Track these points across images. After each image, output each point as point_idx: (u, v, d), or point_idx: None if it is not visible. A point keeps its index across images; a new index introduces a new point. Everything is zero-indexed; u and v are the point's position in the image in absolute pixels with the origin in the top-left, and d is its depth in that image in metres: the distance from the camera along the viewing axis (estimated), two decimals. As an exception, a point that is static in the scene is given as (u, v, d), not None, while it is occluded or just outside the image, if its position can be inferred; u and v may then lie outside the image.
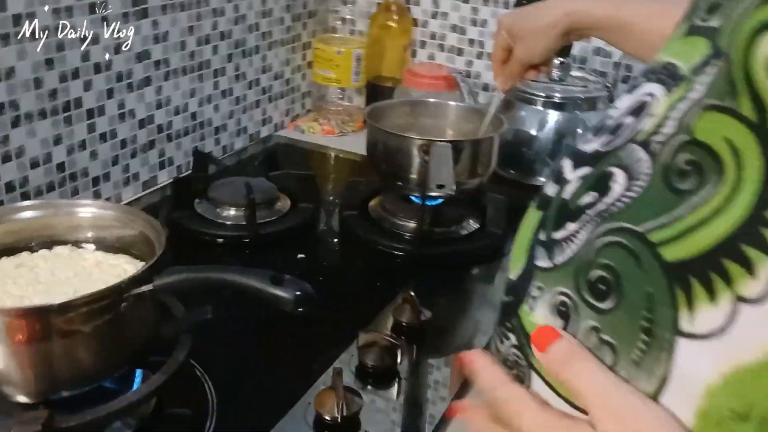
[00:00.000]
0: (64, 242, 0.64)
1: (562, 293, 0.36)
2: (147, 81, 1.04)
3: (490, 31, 1.31)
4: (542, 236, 0.39)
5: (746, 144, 0.29)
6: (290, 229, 0.98)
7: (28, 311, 0.54)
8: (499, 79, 0.93)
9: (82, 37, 0.92)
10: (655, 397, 0.32)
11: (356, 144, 1.32)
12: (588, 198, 0.37)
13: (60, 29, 0.89)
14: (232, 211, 0.98)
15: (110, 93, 0.99)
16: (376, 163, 1.02)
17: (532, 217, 0.42)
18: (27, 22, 0.85)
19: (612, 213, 0.35)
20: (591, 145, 0.40)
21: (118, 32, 0.97)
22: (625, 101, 0.39)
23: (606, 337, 0.34)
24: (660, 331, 0.31)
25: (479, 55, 1.34)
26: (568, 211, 0.38)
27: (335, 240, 1.02)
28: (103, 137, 1.00)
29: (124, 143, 1.03)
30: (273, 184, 1.04)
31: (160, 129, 1.09)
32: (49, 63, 0.89)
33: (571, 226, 0.37)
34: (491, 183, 1.05)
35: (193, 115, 1.15)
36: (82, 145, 0.97)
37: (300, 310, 0.53)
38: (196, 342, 0.65)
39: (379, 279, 0.92)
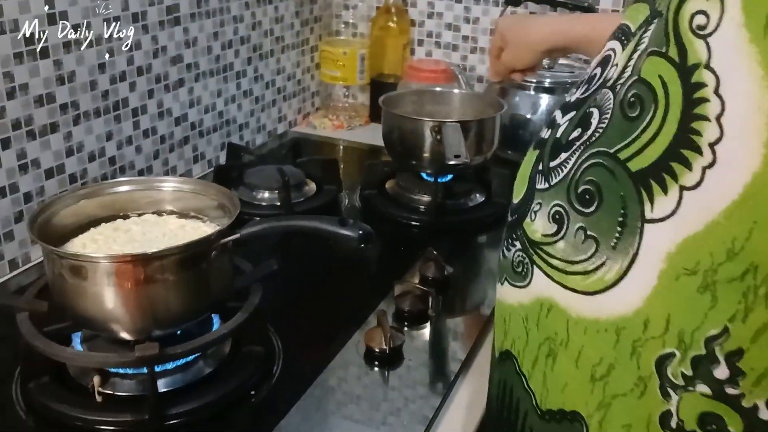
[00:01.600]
0: (151, 212, 0.75)
1: (557, 205, 0.49)
2: (181, 82, 1.16)
3: (482, 27, 1.44)
4: (540, 167, 0.52)
5: (671, 78, 0.42)
6: (319, 207, 1.09)
7: (134, 257, 0.65)
8: (491, 71, 1.05)
9: (127, 43, 1.04)
10: (628, 268, 0.44)
11: (363, 136, 1.44)
12: (575, 133, 0.50)
13: (110, 36, 1.00)
14: (267, 194, 1.10)
15: (151, 93, 1.10)
16: (392, 145, 1.14)
17: (530, 156, 0.55)
18: (86, 30, 0.96)
19: (592, 141, 0.48)
20: (574, 95, 0.53)
21: (154, 38, 1.09)
22: (596, 57, 0.53)
23: (591, 233, 0.46)
24: (631, 221, 0.44)
25: (473, 50, 1.47)
26: (560, 145, 0.51)
27: (359, 215, 1.14)
28: (146, 133, 1.11)
29: (163, 139, 1.15)
30: (299, 169, 1.16)
31: (193, 126, 1.20)
32: (102, 67, 1.01)
33: (563, 156, 0.50)
34: (493, 162, 1.18)
35: (220, 114, 1.26)
36: (129, 140, 1.08)
37: (362, 245, 0.65)
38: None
39: (402, 245, 1.04)
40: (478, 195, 1.16)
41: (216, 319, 0.76)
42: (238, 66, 1.28)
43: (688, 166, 0.41)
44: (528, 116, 1.28)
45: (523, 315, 0.53)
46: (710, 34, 0.39)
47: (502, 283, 0.57)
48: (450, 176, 1.14)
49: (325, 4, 1.51)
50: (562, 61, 1.31)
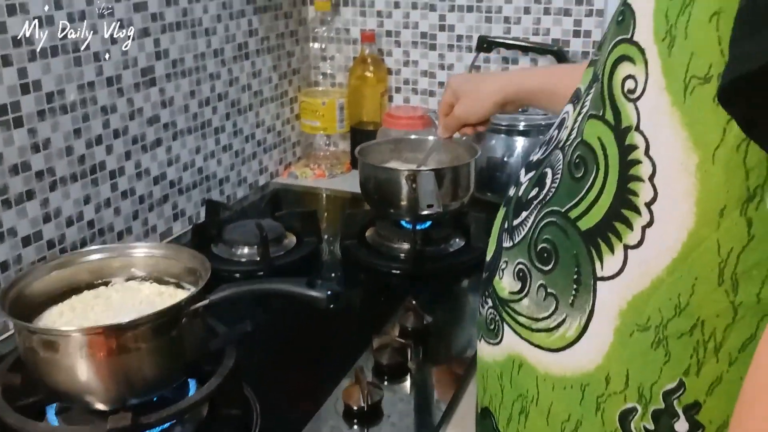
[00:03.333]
0: (125, 278, 0.76)
1: (520, 263, 0.50)
2: (158, 142, 1.17)
3: (456, 72, 1.46)
4: (506, 225, 0.54)
5: (609, 140, 0.43)
6: (299, 260, 1.10)
7: (106, 329, 0.66)
8: (440, 128, 1.06)
9: (102, 106, 1.05)
10: (586, 325, 0.45)
11: (345, 184, 1.46)
12: (533, 192, 0.51)
13: (84, 101, 1.02)
14: (246, 250, 1.11)
15: (128, 155, 1.12)
16: (369, 194, 1.15)
17: (500, 213, 0.56)
18: (58, 97, 0.97)
19: (546, 201, 0.49)
20: (536, 155, 0.54)
21: (130, 101, 1.10)
22: (556, 120, 0.54)
23: (550, 290, 0.47)
24: (585, 279, 0.45)
25: (449, 95, 1.49)
26: (521, 204, 0.52)
27: (339, 266, 1.14)
28: (124, 195, 1.12)
29: (142, 199, 1.16)
30: (279, 223, 1.16)
31: (172, 184, 1.21)
32: (77, 132, 1.02)
33: (524, 214, 0.51)
34: (471, 206, 1.19)
35: (200, 170, 1.27)
36: (107, 203, 1.09)
37: (331, 306, 0.66)
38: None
39: (382, 294, 1.04)
40: (457, 240, 1.17)
41: (192, 383, 0.76)
42: (217, 122, 1.30)
43: (629, 225, 0.42)
44: (504, 159, 1.29)
45: (498, 372, 0.54)
46: (638, 98, 0.41)
47: (479, 340, 0.58)
48: (428, 223, 1.14)
49: (303, 56, 1.54)
50: (535, 103, 1.33)
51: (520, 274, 0.50)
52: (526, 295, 0.50)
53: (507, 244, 0.53)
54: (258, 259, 1.08)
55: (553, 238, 0.47)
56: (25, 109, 0.93)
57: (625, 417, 0.44)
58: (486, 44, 1.35)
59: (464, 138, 1.17)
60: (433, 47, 1.47)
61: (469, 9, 1.41)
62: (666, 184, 0.40)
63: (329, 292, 0.66)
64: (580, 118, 0.47)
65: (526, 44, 1.34)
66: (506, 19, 1.39)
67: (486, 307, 0.55)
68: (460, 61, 1.45)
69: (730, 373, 0.40)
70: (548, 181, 0.50)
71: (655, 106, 0.40)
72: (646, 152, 0.40)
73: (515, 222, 0.52)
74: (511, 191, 0.56)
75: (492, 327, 0.54)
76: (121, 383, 0.68)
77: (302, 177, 1.49)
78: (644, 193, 0.41)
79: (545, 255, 0.48)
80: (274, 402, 0.79)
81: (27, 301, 0.71)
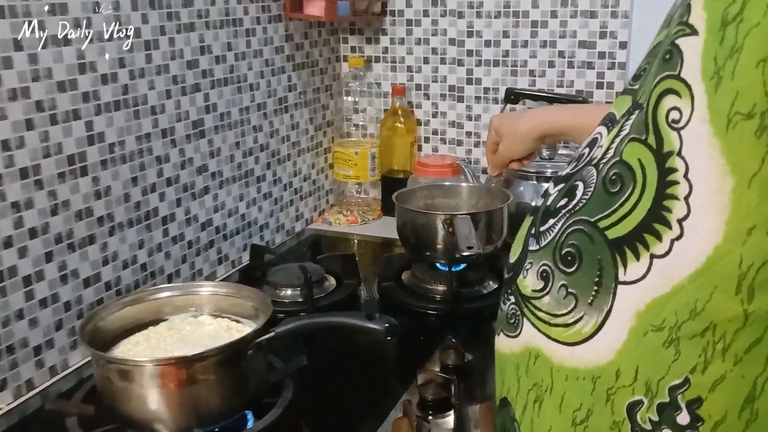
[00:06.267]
0: (192, 314, 0.81)
1: (545, 264, 0.56)
2: (206, 190, 1.24)
3: (483, 123, 1.53)
4: (533, 231, 0.59)
5: (649, 162, 0.48)
6: (340, 301, 1.15)
7: (177, 360, 0.71)
8: (489, 166, 1.13)
9: (157, 156, 1.12)
10: (603, 323, 0.50)
11: (377, 230, 1.51)
12: (562, 202, 0.56)
13: (141, 151, 1.09)
14: (290, 291, 1.16)
15: (179, 202, 1.18)
16: (406, 238, 1.20)
17: (526, 221, 0.62)
18: (118, 147, 1.05)
19: (575, 210, 0.54)
20: (566, 170, 0.60)
21: (182, 151, 1.17)
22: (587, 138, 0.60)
23: (571, 290, 0.52)
24: (606, 282, 0.50)
25: (477, 144, 1.56)
26: (549, 212, 0.58)
27: (378, 306, 1.19)
28: (174, 240, 1.18)
29: (190, 244, 1.22)
30: (319, 266, 1.22)
31: (217, 230, 1.28)
32: (135, 180, 1.09)
33: (551, 221, 0.57)
34: (503, 250, 1.23)
35: (243, 216, 1.34)
36: (159, 247, 1.15)
37: (388, 338, 0.70)
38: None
39: (421, 334, 1.08)
40: (491, 282, 1.21)
41: (249, 416, 0.81)
42: (258, 171, 1.37)
43: (659, 237, 0.47)
44: (533, 204, 1.34)
45: (515, 363, 0.59)
46: (683, 128, 0.46)
47: (498, 334, 0.63)
48: (463, 265, 1.19)
49: (337, 109, 1.62)
50: (561, 151, 1.39)
51: (544, 274, 0.56)
52: (547, 293, 0.55)
53: (533, 247, 0.58)
54: (301, 299, 1.13)
55: (579, 243, 0.52)
56: (90, 159, 1.00)
57: (632, 408, 0.48)
58: (513, 96, 1.42)
59: (494, 185, 1.23)
60: (461, 99, 1.55)
61: (496, 63, 1.49)
62: (700, 203, 0.45)
63: (387, 325, 0.71)
64: (618, 140, 0.53)
65: (552, 95, 1.41)
66: (531, 72, 1.47)
67: (508, 303, 0.61)
68: (486, 112, 1.52)
69: (734, 372, 0.44)
70: (578, 192, 0.55)
71: (697, 134, 0.45)
72: (685, 175, 0.46)
73: (542, 228, 0.58)
74: (539, 201, 0.62)
75: (512, 321, 0.59)
76: (189, 412, 0.72)
77: (336, 223, 1.55)
78: (678, 210, 0.46)
79: (569, 258, 0.53)
80: (327, 434, 0.83)
81: (103, 334, 0.76)
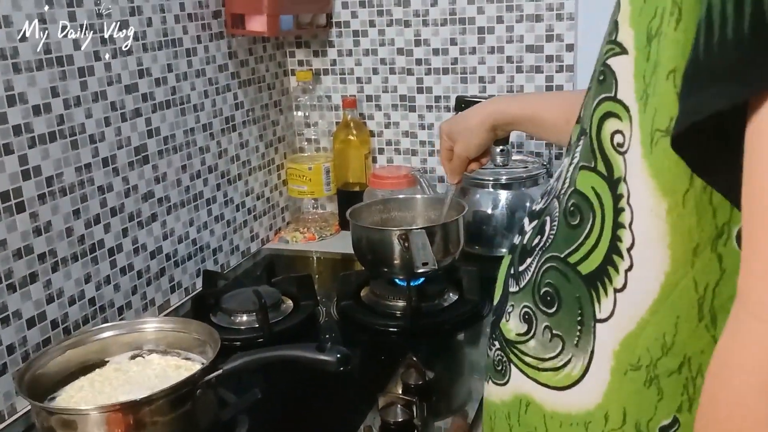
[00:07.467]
0: (137, 352, 0.78)
1: (526, 306, 0.54)
2: (153, 217, 1.20)
3: (437, 132, 1.52)
4: (512, 270, 0.57)
5: (603, 190, 0.47)
6: (298, 324, 1.12)
7: (123, 406, 0.67)
8: (448, 174, 1.11)
9: (99, 186, 1.08)
10: (589, 364, 0.48)
11: (335, 245, 1.49)
12: (536, 240, 0.55)
13: (82, 182, 1.05)
14: (245, 317, 1.13)
15: (125, 232, 1.14)
16: (363, 255, 1.18)
17: (505, 260, 0.60)
18: (56, 179, 1.00)
19: (546, 247, 0.52)
20: (538, 205, 0.58)
21: (125, 179, 1.13)
22: (556, 171, 0.58)
23: (556, 332, 0.51)
24: (587, 321, 0.48)
25: (431, 153, 1.54)
26: (526, 251, 0.56)
27: (337, 327, 1.16)
28: (123, 271, 1.14)
29: (140, 274, 1.18)
30: (275, 288, 1.19)
31: (168, 257, 1.24)
32: (76, 213, 1.04)
33: (528, 260, 0.55)
34: (461, 260, 1.22)
35: (194, 241, 1.30)
36: (107, 280, 1.11)
37: (341, 369, 0.68)
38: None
39: (382, 353, 1.06)
40: (450, 294, 1.19)
41: (206, 455, 0.78)
42: (208, 193, 1.33)
43: (616, 269, 0.45)
44: (489, 212, 1.33)
45: (506, 412, 0.57)
46: (626, 152, 0.45)
47: (487, 382, 0.61)
48: (422, 279, 1.18)
49: (287, 124, 1.59)
50: (515, 157, 1.38)
51: (526, 317, 0.54)
52: (532, 337, 0.53)
53: (513, 288, 0.56)
54: (257, 325, 1.10)
55: (555, 282, 0.51)
56: (27, 194, 0.96)
57: None
58: (464, 104, 1.40)
59: (449, 197, 1.21)
60: (412, 109, 1.53)
61: (445, 71, 1.48)
62: (641, 230, 0.44)
63: (339, 355, 0.68)
64: (571, 169, 0.51)
65: (502, 101, 1.40)
66: (481, 79, 1.46)
67: (493, 349, 0.58)
68: (438, 121, 1.51)
69: None
70: (547, 228, 0.53)
71: (633, 158, 0.44)
72: (628, 200, 0.44)
73: (520, 268, 0.56)
74: (516, 239, 0.60)
75: (499, 368, 0.57)
76: (139, 459, 0.69)
77: (293, 241, 1.52)
78: (626, 238, 0.45)
79: (548, 298, 0.51)
80: (287, 467, 0.80)
81: (43, 381, 0.72)
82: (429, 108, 1.51)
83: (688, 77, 0.37)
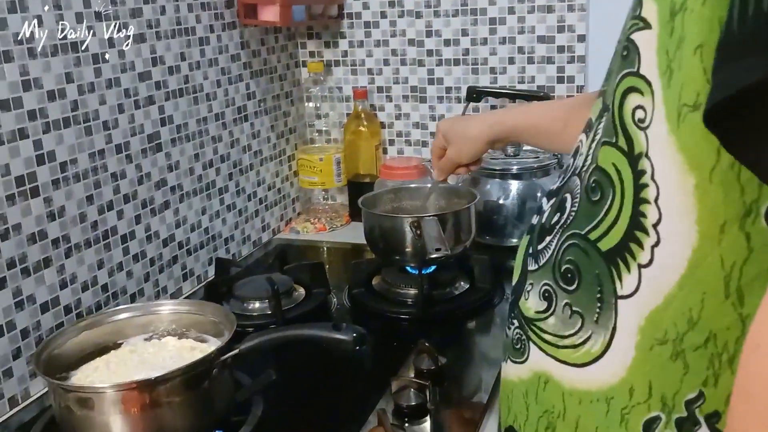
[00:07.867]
0: (152, 334, 0.78)
1: (546, 284, 0.53)
2: (166, 204, 1.20)
3: (447, 122, 1.51)
4: (530, 250, 0.57)
5: (623, 165, 0.47)
6: (310, 312, 1.12)
7: (139, 384, 0.68)
8: (435, 171, 1.11)
9: (112, 173, 1.09)
10: (610, 340, 0.48)
11: (345, 236, 1.49)
12: (555, 217, 0.54)
13: (95, 168, 1.05)
14: (258, 304, 1.13)
15: (138, 219, 1.15)
16: (375, 243, 1.18)
17: (523, 241, 0.60)
18: (70, 165, 1.01)
19: (567, 224, 0.52)
20: (556, 183, 0.58)
21: (138, 166, 1.14)
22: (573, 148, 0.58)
23: (575, 309, 0.51)
24: (607, 298, 0.48)
25: (441, 144, 1.54)
26: (545, 229, 0.56)
27: (349, 314, 1.16)
28: (135, 258, 1.15)
29: (152, 261, 1.18)
30: (287, 276, 1.19)
31: (180, 245, 1.24)
32: (90, 199, 1.05)
33: (547, 239, 0.55)
34: (472, 250, 1.22)
35: (206, 230, 1.31)
36: (120, 266, 1.12)
37: (357, 348, 0.68)
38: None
39: (394, 339, 1.06)
40: (462, 282, 1.19)
41: (221, 435, 0.78)
42: (220, 183, 1.34)
43: (640, 245, 0.45)
44: (500, 201, 1.33)
45: (524, 390, 0.57)
46: (647, 127, 0.45)
47: (505, 361, 0.61)
48: (433, 267, 1.18)
49: (298, 115, 1.59)
50: (526, 147, 1.38)
51: (546, 295, 0.54)
52: (552, 314, 0.53)
53: (532, 267, 0.56)
54: (270, 312, 1.10)
55: (576, 259, 0.50)
56: (41, 179, 0.96)
57: (650, 425, 0.46)
58: (475, 94, 1.41)
59: (461, 184, 1.21)
60: (423, 100, 1.53)
61: (456, 62, 1.48)
62: (668, 205, 0.44)
63: (355, 334, 0.69)
64: (594, 145, 0.51)
65: (513, 92, 1.40)
66: (492, 70, 1.46)
67: (512, 328, 0.58)
68: (449, 112, 1.51)
69: None
70: (568, 205, 0.53)
71: (658, 133, 0.44)
72: (652, 176, 0.44)
73: (539, 246, 0.56)
74: (534, 219, 0.60)
75: (518, 346, 0.57)
76: (155, 437, 0.69)
77: (303, 232, 1.52)
78: (651, 214, 0.45)
79: (569, 275, 0.51)
80: (301, 449, 0.80)
81: (60, 361, 0.73)
82: (440, 99, 1.51)
83: (721, 50, 0.37)
